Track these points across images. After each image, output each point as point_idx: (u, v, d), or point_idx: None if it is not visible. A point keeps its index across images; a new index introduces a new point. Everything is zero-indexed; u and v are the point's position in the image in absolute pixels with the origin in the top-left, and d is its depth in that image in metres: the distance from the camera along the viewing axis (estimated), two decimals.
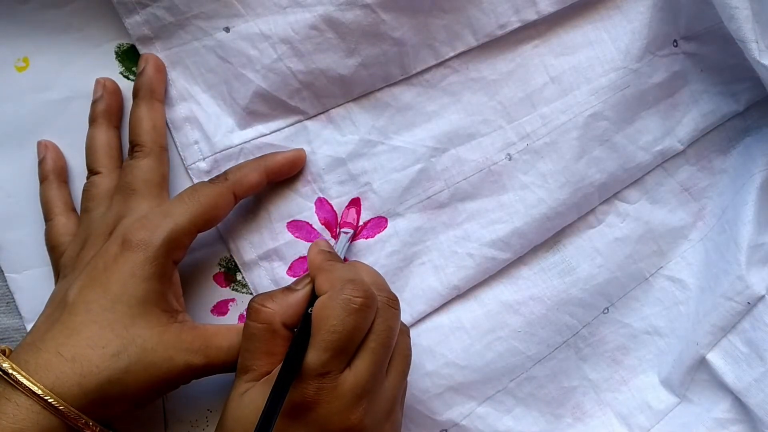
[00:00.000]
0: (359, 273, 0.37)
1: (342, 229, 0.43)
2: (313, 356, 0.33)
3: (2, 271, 0.43)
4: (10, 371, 0.33)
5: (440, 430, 0.43)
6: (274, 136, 0.43)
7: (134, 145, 0.40)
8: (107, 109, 0.41)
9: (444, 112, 0.44)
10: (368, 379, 0.34)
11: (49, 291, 0.39)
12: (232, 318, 0.43)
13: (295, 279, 0.39)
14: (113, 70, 0.43)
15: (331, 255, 0.39)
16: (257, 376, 0.36)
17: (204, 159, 0.43)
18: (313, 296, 0.36)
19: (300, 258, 0.43)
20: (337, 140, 0.43)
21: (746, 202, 0.44)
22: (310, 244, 0.43)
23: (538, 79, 0.44)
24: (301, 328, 0.35)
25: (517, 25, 0.43)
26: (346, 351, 0.34)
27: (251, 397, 0.35)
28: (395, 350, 0.37)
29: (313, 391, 0.33)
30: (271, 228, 0.43)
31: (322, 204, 0.43)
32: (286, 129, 0.43)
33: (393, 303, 0.37)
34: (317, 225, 0.43)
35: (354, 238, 0.43)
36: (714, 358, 0.45)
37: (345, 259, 0.43)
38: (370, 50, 0.42)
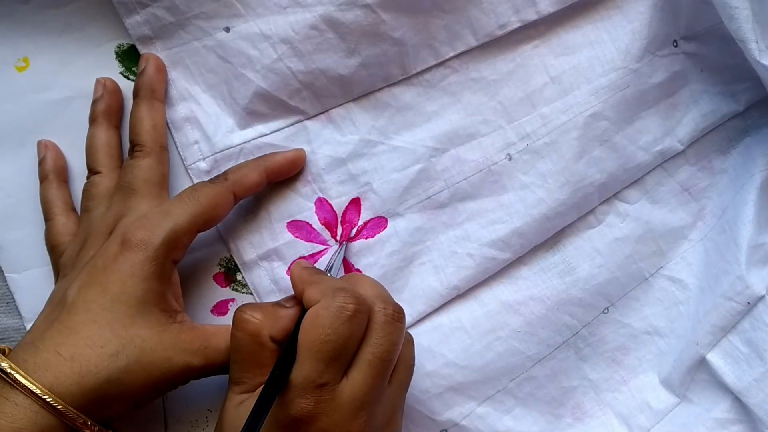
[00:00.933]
0: (354, 283, 0.37)
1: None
2: (309, 367, 0.33)
3: (2, 271, 0.43)
4: (9, 370, 0.33)
5: (440, 430, 0.43)
6: (274, 136, 0.43)
7: (134, 145, 0.40)
8: (107, 109, 0.42)
9: (444, 112, 0.44)
10: (367, 392, 0.34)
11: (49, 291, 0.39)
12: (232, 318, 0.43)
13: (284, 297, 0.39)
14: (113, 70, 0.43)
15: (316, 269, 0.39)
16: (250, 387, 0.35)
17: (204, 159, 0.43)
18: (302, 313, 0.35)
19: (300, 258, 0.43)
20: (337, 140, 0.43)
21: (746, 202, 0.44)
22: (310, 244, 0.43)
23: (538, 79, 0.44)
24: (289, 341, 0.34)
25: (517, 25, 0.43)
26: (341, 360, 0.34)
27: (247, 409, 0.34)
28: (398, 360, 0.36)
29: (312, 404, 0.33)
30: (271, 228, 0.43)
31: (322, 204, 0.43)
32: (286, 129, 0.43)
33: (397, 316, 0.36)
34: (317, 225, 0.43)
35: (351, 241, 0.43)
36: (714, 358, 0.45)
37: (356, 270, 0.43)
38: (370, 50, 0.42)
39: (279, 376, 0.33)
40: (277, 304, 0.37)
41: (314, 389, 0.33)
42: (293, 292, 0.38)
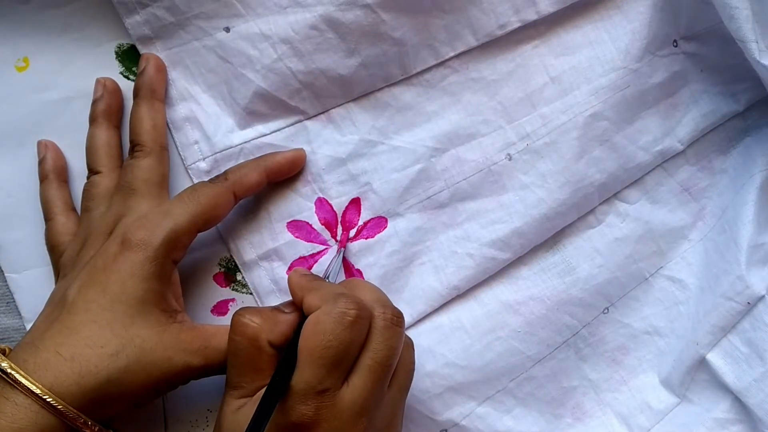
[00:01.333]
0: (353, 288, 0.37)
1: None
2: (310, 374, 0.33)
3: (2, 271, 0.43)
4: (9, 370, 0.33)
5: (440, 430, 0.43)
6: (274, 136, 0.43)
7: (134, 145, 0.40)
8: (107, 109, 0.42)
9: (444, 112, 0.44)
10: (367, 397, 0.34)
11: (49, 291, 0.39)
12: (230, 322, 0.43)
13: (283, 302, 0.38)
14: (113, 70, 0.43)
15: (314, 276, 0.39)
16: (248, 392, 0.35)
17: (204, 159, 0.43)
18: (302, 320, 0.35)
19: (300, 258, 0.43)
20: (337, 140, 0.43)
21: (746, 202, 0.44)
22: (310, 244, 0.43)
23: (538, 79, 0.44)
24: (289, 347, 0.34)
25: (517, 25, 0.43)
26: (342, 366, 0.33)
27: (246, 414, 0.34)
28: (398, 364, 0.36)
29: (313, 410, 0.33)
30: (271, 228, 0.43)
31: (322, 204, 0.43)
32: (286, 129, 0.43)
33: (396, 321, 0.36)
34: (317, 225, 0.43)
35: (351, 241, 0.43)
36: (714, 358, 0.45)
37: (357, 270, 0.43)
38: (370, 50, 0.42)
39: (279, 382, 0.33)
40: (276, 308, 0.37)
41: (315, 395, 0.33)
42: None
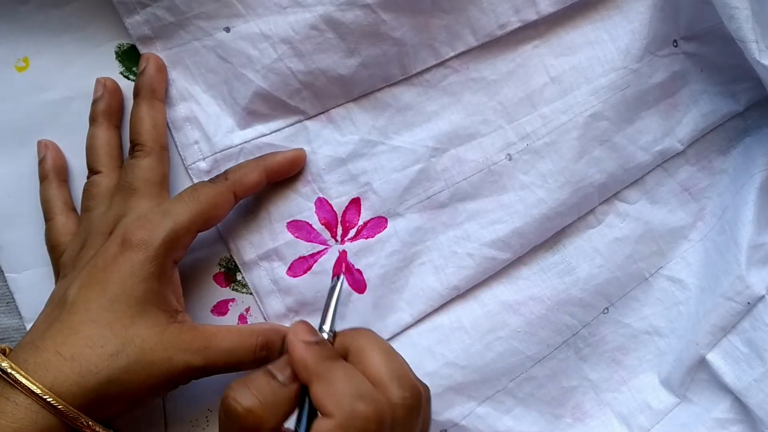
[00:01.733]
0: (360, 353, 0.33)
1: (335, 276, 0.42)
2: None
3: (2, 271, 0.43)
4: (9, 370, 0.33)
5: (440, 430, 0.43)
6: (274, 136, 0.43)
7: (135, 145, 0.40)
8: (107, 109, 0.41)
9: (444, 112, 0.44)
10: None
11: (49, 291, 0.39)
12: (232, 318, 0.43)
13: (274, 363, 0.33)
14: (113, 70, 0.43)
15: (320, 347, 0.33)
16: None
17: (204, 159, 0.43)
18: (303, 393, 0.32)
19: (300, 258, 0.43)
20: (337, 140, 0.43)
21: (746, 202, 0.44)
22: (310, 244, 0.43)
23: (538, 79, 0.44)
24: None
25: (517, 25, 0.43)
26: None
27: None
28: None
29: None
30: (271, 228, 0.43)
31: (322, 204, 0.43)
32: (286, 129, 0.43)
33: (417, 403, 0.32)
34: (317, 225, 0.43)
35: (351, 241, 0.43)
36: (714, 358, 0.45)
37: (357, 270, 0.43)
38: (370, 50, 0.42)
39: None
40: (269, 375, 0.32)
41: None
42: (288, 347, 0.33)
